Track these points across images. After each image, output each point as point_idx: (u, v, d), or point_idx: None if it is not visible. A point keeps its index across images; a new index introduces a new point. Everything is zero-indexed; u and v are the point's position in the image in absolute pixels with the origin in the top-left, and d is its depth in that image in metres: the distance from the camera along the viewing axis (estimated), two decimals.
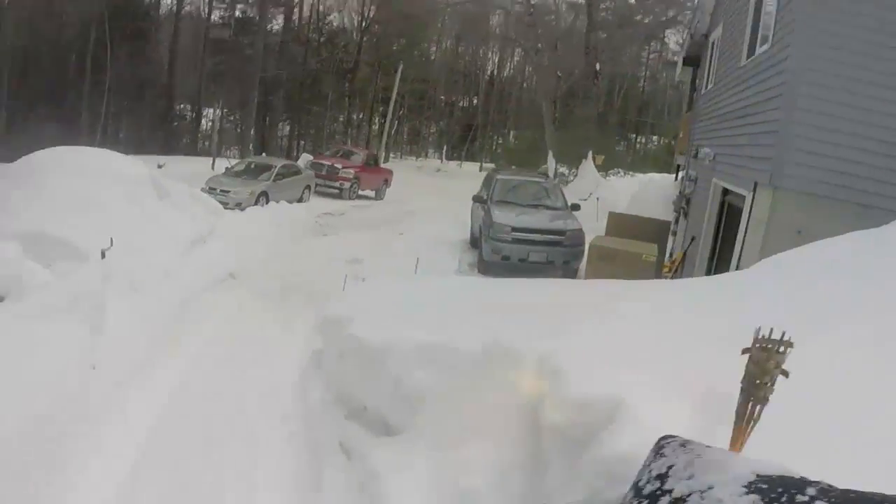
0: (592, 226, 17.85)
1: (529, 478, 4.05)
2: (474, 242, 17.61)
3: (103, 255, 8.65)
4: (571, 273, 14.88)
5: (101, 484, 5.06)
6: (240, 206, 18.32)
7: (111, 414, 6.13)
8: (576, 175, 31.02)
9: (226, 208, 16.04)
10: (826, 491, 0.81)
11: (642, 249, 14.09)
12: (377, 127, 50.06)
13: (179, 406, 6.58)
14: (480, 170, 41.64)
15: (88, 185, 10.27)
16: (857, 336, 4.26)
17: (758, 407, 2.71)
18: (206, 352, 8.00)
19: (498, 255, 14.85)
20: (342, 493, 4.78)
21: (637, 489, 0.95)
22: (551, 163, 31.63)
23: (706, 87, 16.88)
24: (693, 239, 14.25)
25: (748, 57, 11.43)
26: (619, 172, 36.51)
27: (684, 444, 1.05)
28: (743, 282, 6.71)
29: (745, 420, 2.73)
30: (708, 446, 1.04)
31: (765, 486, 0.84)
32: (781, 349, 2.73)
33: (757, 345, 2.79)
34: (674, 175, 24.79)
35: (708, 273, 12.26)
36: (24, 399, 5.73)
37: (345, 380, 6.16)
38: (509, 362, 4.74)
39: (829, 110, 8.57)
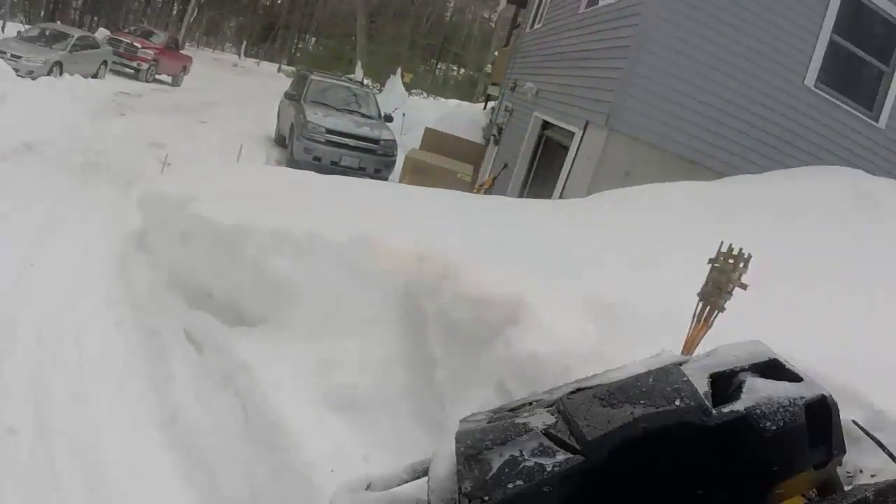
0: (400, 139, 17.82)
1: (416, 372, 3.89)
2: (280, 140, 17.15)
3: None
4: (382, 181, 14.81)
5: None
6: (32, 74, 16.80)
7: None
8: (381, 90, 30.74)
9: (17, 75, 14.78)
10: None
11: (458, 167, 14.26)
12: (176, 13, 46.91)
13: None
14: (279, 70, 40.46)
15: None
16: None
17: (714, 313, 2.79)
18: (4, 227, 6.97)
19: (310, 154, 14.43)
20: (200, 385, 4.33)
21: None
22: (359, 73, 31.08)
23: (532, 26, 17.13)
24: (506, 165, 14.53)
25: (589, 6, 11.71)
26: (422, 94, 36.61)
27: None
28: (591, 207, 6.89)
29: (701, 323, 2.81)
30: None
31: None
32: (742, 264, 2.80)
33: (721, 257, 2.84)
34: (482, 104, 25.18)
35: (520, 198, 12.57)
36: None
37: (184, 264, 5.61)
38: (385, 257, 4.53)
39: (673, 66, 8.99)
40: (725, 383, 1.38)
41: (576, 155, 10.02)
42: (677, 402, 1.25)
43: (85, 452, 3.75)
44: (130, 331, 5.28)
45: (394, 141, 15.67)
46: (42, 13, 33.78)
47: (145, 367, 4.74)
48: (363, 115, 16.53)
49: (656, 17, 8.97)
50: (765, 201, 6.51)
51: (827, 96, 9.65)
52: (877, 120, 9.80)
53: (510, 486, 1.20)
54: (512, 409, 1.63)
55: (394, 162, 15.40)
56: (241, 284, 4.96)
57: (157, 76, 25.10)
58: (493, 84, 22.37)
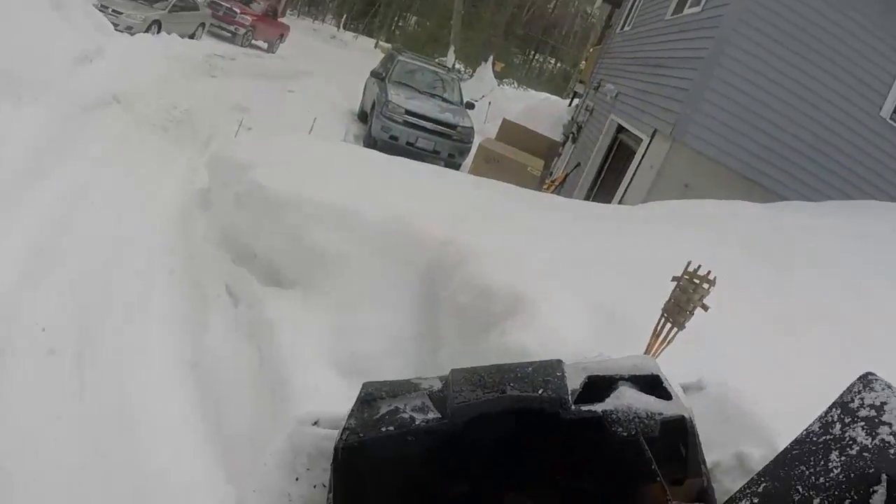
0: (480, 127, 18.03)
1: (424, 349, 4.16)
2: (362, 116, 17.48)
3: None
4: (454, 167, 15.02)
5: None
6: (130, 30, 17.18)
7: None
8: (471, 75, 30.95)
9: (116, 30, 15.05)
10: None
11: (529, 161, 14.39)
12: None
13: (58, 225, 6.08)
14: (375, 46, 40.85)
15: None
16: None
17: (674, 330, 2.94)
18: (86, 173, 7.46)
19: (387, 133, 14.79)
20: (229, 335, 4.72)
21: (847, 408, 0.99)
22: (451, 57, 31.35)
23: (622, 28, 17.12)
24: (578, 164, 14.63)
25: (674, 13, 11.69)
26: (513, 84, 36.68)
27: (889, 385, 1.13)
28: (638, 216, 7.02)
29: (659, 338, 2.95)
30: None
31: None
32: (705, 285, 2.94)
33: (685, 276, 2.98)
34: (568, 100, 25.17)
35: (587, 199, 12.68)
36: None
37: (236, 224, 6.01)
38: (414, 240, 4.82)
39: (745, 83, 8.99)
40: (600, 387, 1.52)
41: (640, 162, 10.10)
42: (541, 392, 1.40)
43: (113, 379, 4.16)
44: (180, 279, 5.73)
45: (471, 128, 15.88)
46: None
47: (185, 313, 5.17)
48: (445, 100, 16.79)
49: (734, 32, 8.98)
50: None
51: None
52: None
53: (383, 429, 1.43)
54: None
55: (469, 149, 15.61)
56: (282, 249, 5.31)
57: (254, 42, 25.64)
58: (581, 82, 22.36)
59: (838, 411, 1.02)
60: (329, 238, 5.02)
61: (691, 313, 2.91)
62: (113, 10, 17.27)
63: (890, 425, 0.88)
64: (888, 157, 9.43)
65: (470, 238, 4.63)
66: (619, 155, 12.54)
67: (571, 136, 17.16)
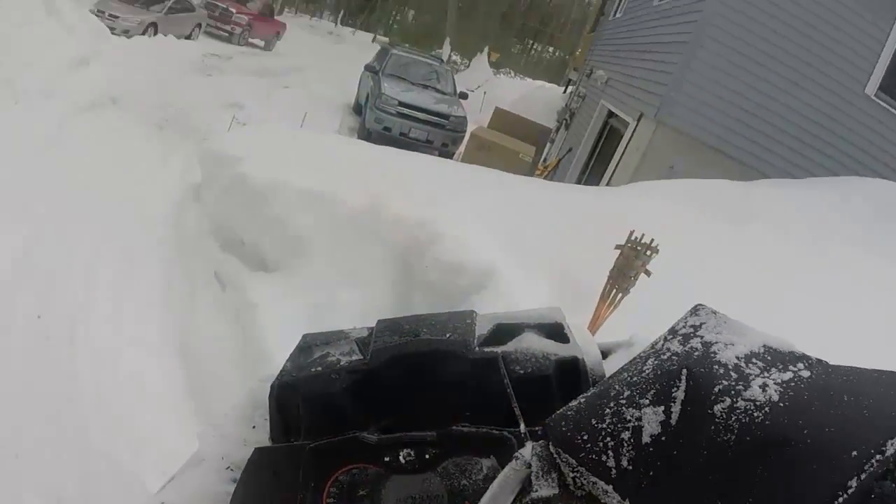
0: (475, 117, 18.24)
1: None
2: (357, 109, 17.68)
3: None
4: (448, 156, 15.19)
5: None
6: (127, 33, 17.47)
7: None
8: (467, 66, 31.09)
9: (112, 33, 15.30)
10: (815, 364, 0.98)
11: (520, 148, 14.57)
12: None
13: (55, 217, 6.38)
14: (373, 41, 40.85)
15: None
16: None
17: (619, 295, 3.15)
18: (84, 170, 7.71)
19: (380, 125, 15.01)
20: (217, 317, 4.95)
21: (673, 331, 1.14)
22: (447, 48, 31.48)
23: (615, 14, 17.26)
24: (570, 150, 14.81)
25: None
26: (510, 73, 36.80)
27: (715, 312, 1.28)
28: (619, 195, 7.21)
29: (606, 303, 3.16)
30: (730, 318, 1.26)
31: (768, 355, 1.05)
32: (648, 252, 3.14)
33: (629, 244, 3.18)
34: (563, 88, 25.30)
35: (578, 183, 12.85)
36: None
37: (225, 214, 6.23)
38: (393, 222, 5.03)
39: (728, 63, 9.13)
40: (506, 333, 1.71)
41: (627, 145, 10.26)
42: (448, 335, 1.60)
43: (104, 359, 4.40)
44: (171, 266, 6.00)
45: (464, 118, 16.06)
46: None
47: (176, 298, 5.42)
48: (438, 91, 16.97)
49: (715, 14, 9.12)
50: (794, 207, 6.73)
51: (887, 106, 9.61)
52: None
53: (312, 370, 1.63)
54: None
55: (461, 138, 15.80)
56: (267, 235, 5.55)
57: (250, 40, 25.82)
58: (575, 69, 22.50)
59: (665, 334, 1.18)
60: (311, 223, 5.24)
61: (635, 279, 3.10)
62: (109, 14, 17.51)
63: (701, 337, 1.03)
64: (873, 133, 9.55)
65: (442, 218, 4.83)
66: (609, 140, 12.72)
67: (565, 122, 17.35)
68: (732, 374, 0.85)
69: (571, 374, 1.52)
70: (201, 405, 4.12)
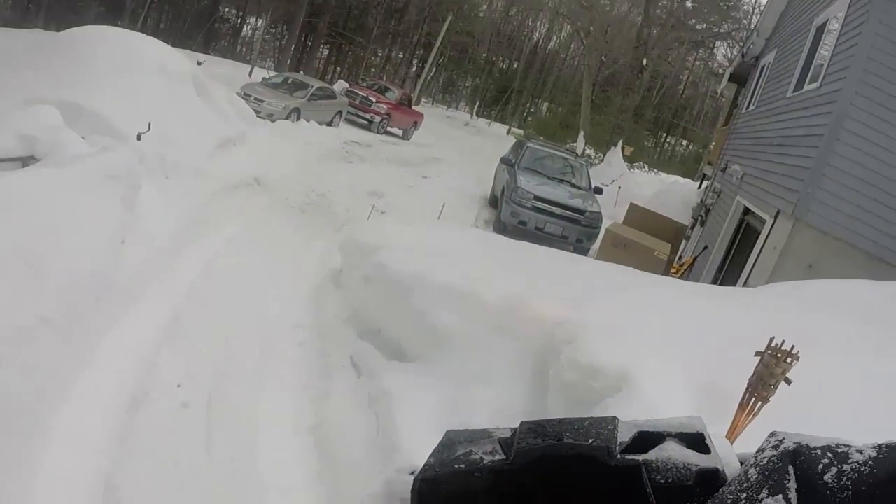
0: (610, 212, 18.16)
1: None
2: (493, 202, 17.85)
3: (139, 138, 8.67)
4: (582, 252, 15.12)
5: (124, 357, 5.22)
6: (271, 117, 18.39)
7: (137, 291, 6.17)
8: (602, 160, 31.20)
9: (257, 117, 16.02)
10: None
11: (655, 245, 14.37)
12: (415, 70, 50.05)
13: (198, 295, 6.71)
14: (508, 132, 41.70)
15: (131, 69, 10.27)
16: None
17: (759, 404, 3.06)
18: (227, 250, 8.16)
19: (516, 218, 15.13)
20: (350, 404, 5.08)
21: (761, 449, 1.18)
22: (581, 142, 31.73)
23: (748, 107, 17.05)
24: (706, 248, 14.54)
25: (795, 90, 11.62)
26: (643, 167, 36.67)
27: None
28: (756, 296, 7.02)
29: (745, 412, 3.08)
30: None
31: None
32: (789, 360, 3.05)
33: (769, 351, 3.10)
34: (698, 182, 25.00)
35: (714, 283, 12.56)
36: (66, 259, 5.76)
37: (363, 301, 6.45)
38: (531, 321, 5.07)
39: (863, 159, 8.81)
40: (648, 441, 1.74)
41: (764, 244, 10.00)
42: (591, 441, 1.65)
43: (239, 439, 4.57)
44: (308, 351, 6.19)
45: (599, 213, 16.02)
46: (289, 61, 37.11)
47: (310, 382, 5.59)
48: (573, 186, 17.03)
49: (851, 106, 8.85)
50: None
51: None
52: None
53: (455, 466, 1.70)
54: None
55: (597, 233, 15.69)
56: (405, 326, 5.68)
57: (389, 129, 26.71)
58: (709, 164, 22.23)
59: (753, 454, 1.25)
60: (450, 318, 5.35)
61: (775, 387, 3.02)
62: (255, 98, 18.62)
63: (790, 439, 1.12)
64: None
65: (581, 318, 4.83)
66: (745, 237, 12.41)
67: (700, 218, 17.06)
68: (830, 453, 0.94)
69: (712, 485, 1.52)
70: (332, 489, 4.20)
